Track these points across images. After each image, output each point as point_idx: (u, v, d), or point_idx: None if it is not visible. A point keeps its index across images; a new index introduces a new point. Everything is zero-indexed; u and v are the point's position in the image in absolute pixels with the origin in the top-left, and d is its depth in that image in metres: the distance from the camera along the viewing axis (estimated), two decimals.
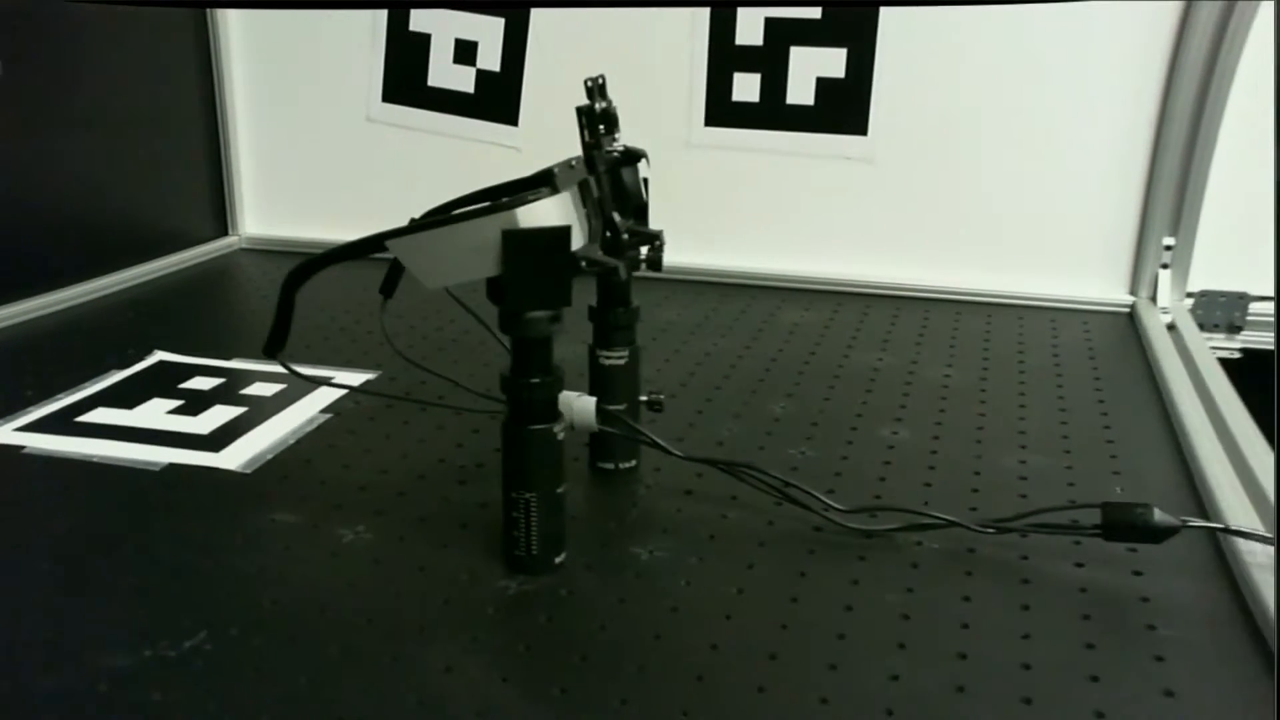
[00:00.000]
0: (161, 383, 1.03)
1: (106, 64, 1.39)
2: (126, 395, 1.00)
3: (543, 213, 0.64)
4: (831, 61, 1.36)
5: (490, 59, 1.46)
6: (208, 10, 1.54)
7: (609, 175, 0.77)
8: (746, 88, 1.39)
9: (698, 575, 0.70)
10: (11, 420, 0.94)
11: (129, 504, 0.79)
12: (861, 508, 0.76)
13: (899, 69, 1.34)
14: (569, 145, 1.43)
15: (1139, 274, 1.35)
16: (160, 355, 1.11)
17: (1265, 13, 1.15)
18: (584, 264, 0.68)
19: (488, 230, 0.63)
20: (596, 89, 0.75)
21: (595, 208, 0.73)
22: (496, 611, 0.66)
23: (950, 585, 0.69)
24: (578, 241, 0.66)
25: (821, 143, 1.39)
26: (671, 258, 1.43)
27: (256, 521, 0.76)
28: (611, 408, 0.82)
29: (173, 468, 0.85)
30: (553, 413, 0.68)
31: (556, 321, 0.66)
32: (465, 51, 1.47)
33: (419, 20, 1.48)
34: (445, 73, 1.49)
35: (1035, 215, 1.35)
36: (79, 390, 1.01)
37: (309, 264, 0.72)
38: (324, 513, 0.77)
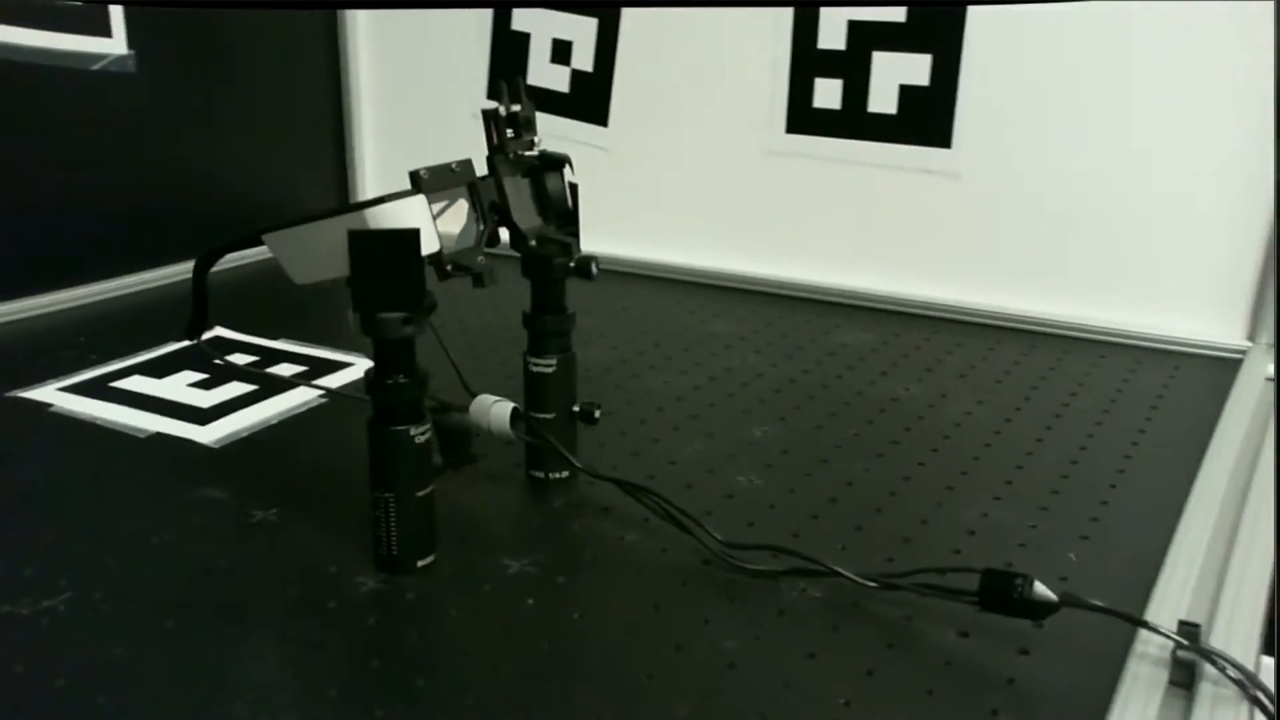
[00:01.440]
0: (202, 357, 1.10)
1: (240, 57, 1.51)
2: (165, 366, 1.09)
3: (396, 215, 0.64)
4: (915, 68, 1.28)
5: (584, 59, 1.48)
6: (336, 11, 1.64)
7: (530, 180, 0.77)
8: (828, 94, 1.34)
9: (550, 595, 0.69)
10: (63, 379, 1.04)
11: (92, 464, 0.87)
12: (748, 545, 0.72)
13: (987, 76, 1.25)
14: (654, 146, 1.44)
15: (1259, 316, 1.19)
16: (219, 331, 1.20)
17: (1266, 13, 1.01)
18: (449, 268, 0.68)
19: (340, 230, 0.64)
20: (505, 92, 0.74)
21: (486, 212, 0.73)
22: (336, 606, 0.67)
23: (803, 639, 0.64)
24: (432, 245, 0.66)
25: (903, 154, 1.31)
26: (740, 266, 1.42)
27: (186, 495, 0.81)
28: (540, 416, 0.82)
29: (157, 436, 0.92)
30: (414, 415, 0.69)
31: (410, 324, 0.66)
32: (561, 51, 1.49)
33: (520, 19, 1.52)
34: (543, 71, 1.52)
35: (1136, 241, 1.22)
36: (133, 358, 1.10)
37: (213, 250, 0.75)
38: (250, 493, 0.82)
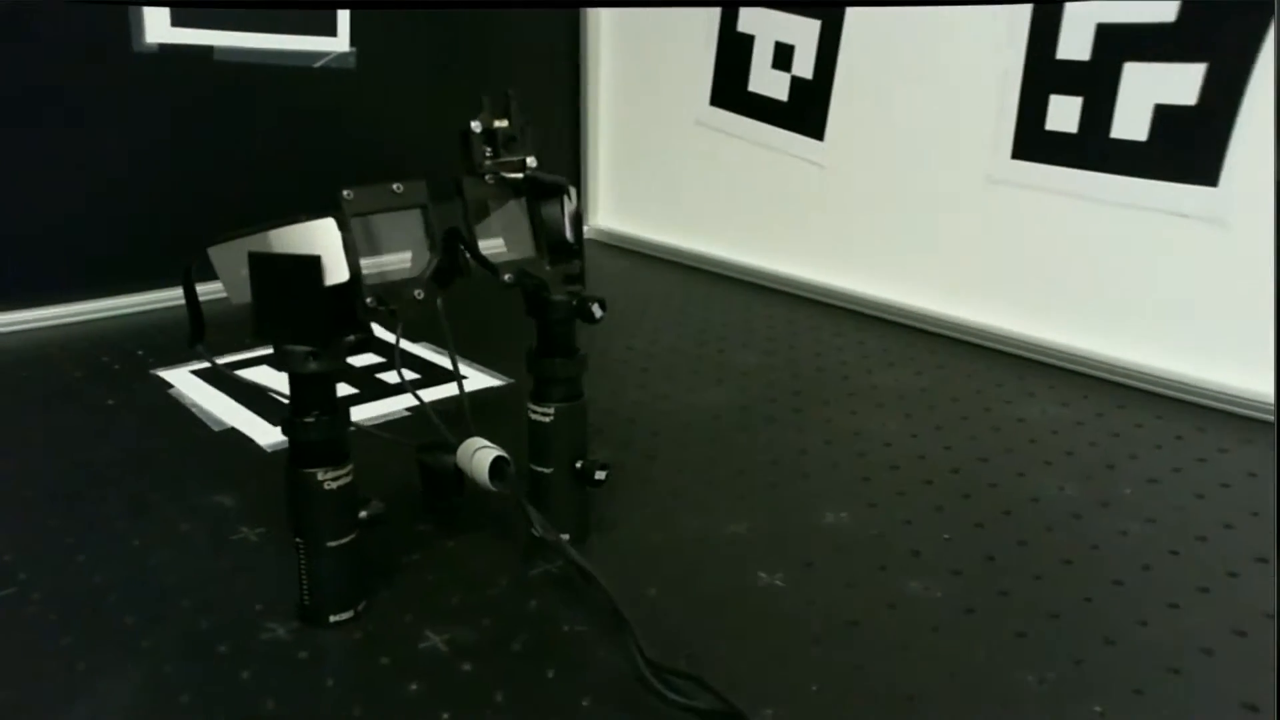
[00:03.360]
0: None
1: (480, 52, 1.53)
2: None
3: (303, 237, 0.58)
4: (1180, 83, 1.02)
5: (804, 65, 1.34)
6: (581, 10, 1.61)
7: (529, 207, 0.67)
8: (1064, 114, 1.11)
9: (446, 683, 0.60)
10: (204, 362, 1.09)
11: (147, 451, 0.89)
12: (677, 670, 0.59)
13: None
14: (869, 164, 1.27)
15: None
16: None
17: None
18: (370, 301, 0.61)
19: (245, 252, 0.59)
20: (488, 108, 0.65)
21: (436, 240, 0.64)
22: (226, 651, 0.63)
23: None
24: (339, 274, 0.59)
25: (1153, 191, 1.05)
26: (940, 306, 1.21)
27: (195, 498, 0.81)
28: (539, 469, 0.73)
29: (230, 431, 0.93)
30: (329, 458, 0.62)
31: (317, 360, 0.60)
32: (783, 56, 1.36)
33: (746, 20, 1.41)
34: (764, 78, 1.40)
35: None
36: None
37: (191, 261, 0.73)
38: (254, 506, 0.80)
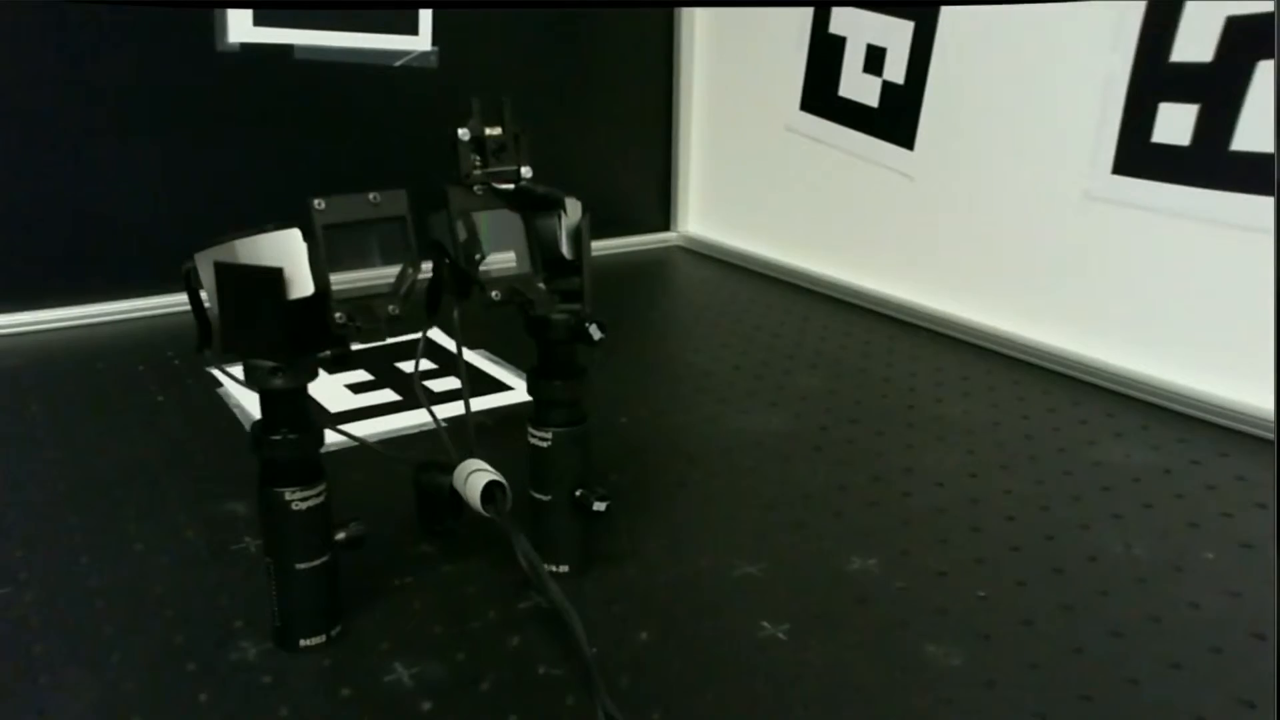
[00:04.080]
0: (396, 357, 1.10)
1: (569, 54, 1.51)
2: (348, 360, 1.10)
3: (267, 248, 0.56)
4: None
5: (896, 69, 1.26)
6: (675, 11, 1.57)
7: (525, 221, 0.63)
8: (1175, 124, 1.00)
9: None
10: None
11: (179, 447, 0.89)
12: None
13: None
14: (959, 176, 1.19)
15: None
16: (434, 333, 1.20)
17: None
18: (339, 317, 0.58)
19: (227, 257, 0.56)
20: (478, 113, 0.61)
21: (415, 253, 0.61)
22: (195, 669, 0.61)
23: None
24: (304, 288, 0.56)
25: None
26: (1028, 331, 1.11)
27: (206, 505, 0.80)
28: (538, 496, 0.69)
29: None
30: (298, 477, 0.60)
31: (281, 376, 0.57)
32: (874, 59, 1.29)
33: (838, 21, 1.34)
34: (854, 82, 1.32)
35: None
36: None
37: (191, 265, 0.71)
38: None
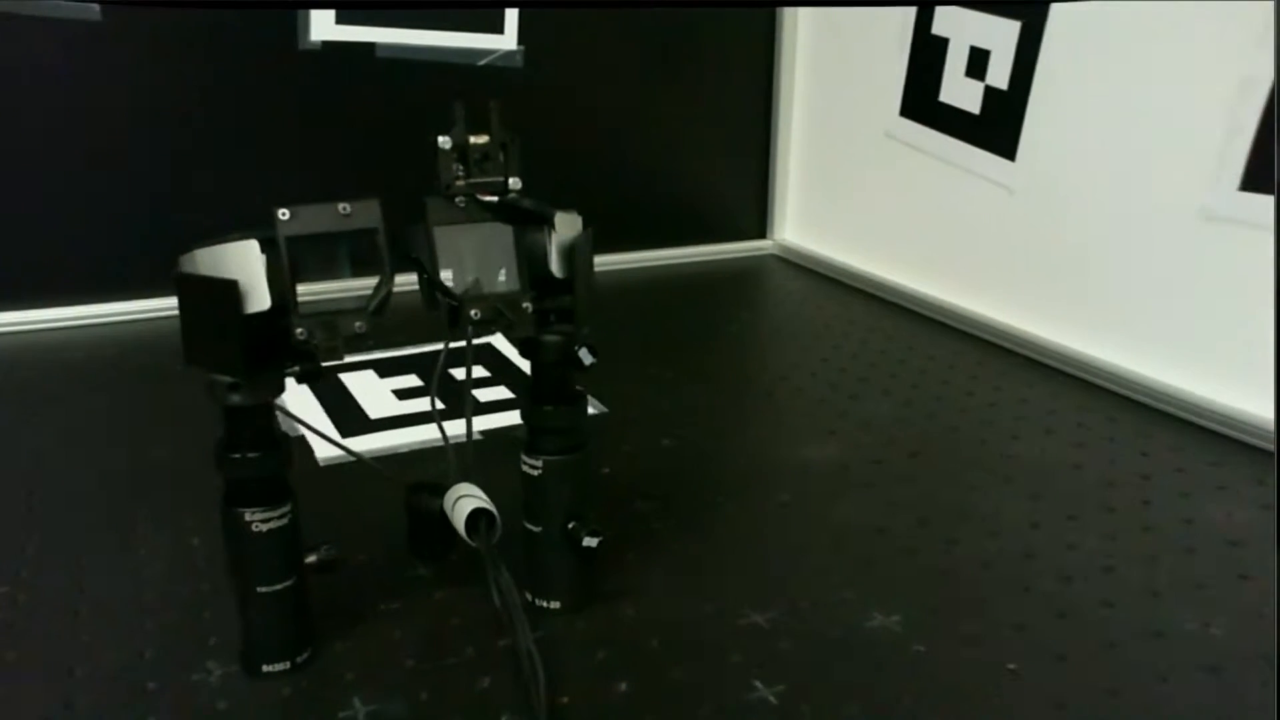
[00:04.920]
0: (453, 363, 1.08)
1: (662, 56, 1.46)
2: (403, 366, 1.08)
3: (222, 260, 0.53)
4: None
5: (999, 74, 1.17)
6: (776, 12, 1.50)
7: (509, 233, 0.59)
8: None
9: None
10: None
11: (208, 454, 0.88)
12: None
13: None
14: (1063, 190, 1.09)
15: None
16: (496, 339, 1.17)
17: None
18: (300, 333, 0.55)
19: (202, 265, 0.54)
20: (462, 120, 0.57)
21: (387, 267, 0.57)
22: (155, 688, 0.59)
23: None
24: (260, 302, 0.53)
25: None
26: (1130, 363, 1.00)
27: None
28: (530, 527, 0.65)
29: (299, 439, 0.91)
30: (260, 497, 0.57)
31: (238, 392, 0.55)
32: (977, 62, 1.20)
33: (941, 21, 1.25)
34: (956, 87, 1.23)
35: None
36: (401, 350, 1.11)
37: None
38: None
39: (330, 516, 0.77)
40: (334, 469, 0.85)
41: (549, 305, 0.60)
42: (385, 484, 0.69)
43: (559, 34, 1.37)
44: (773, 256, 1.56)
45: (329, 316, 0.55)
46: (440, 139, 0.56)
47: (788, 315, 1.31)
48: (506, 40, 1.34)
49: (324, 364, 0.56)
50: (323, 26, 1.24)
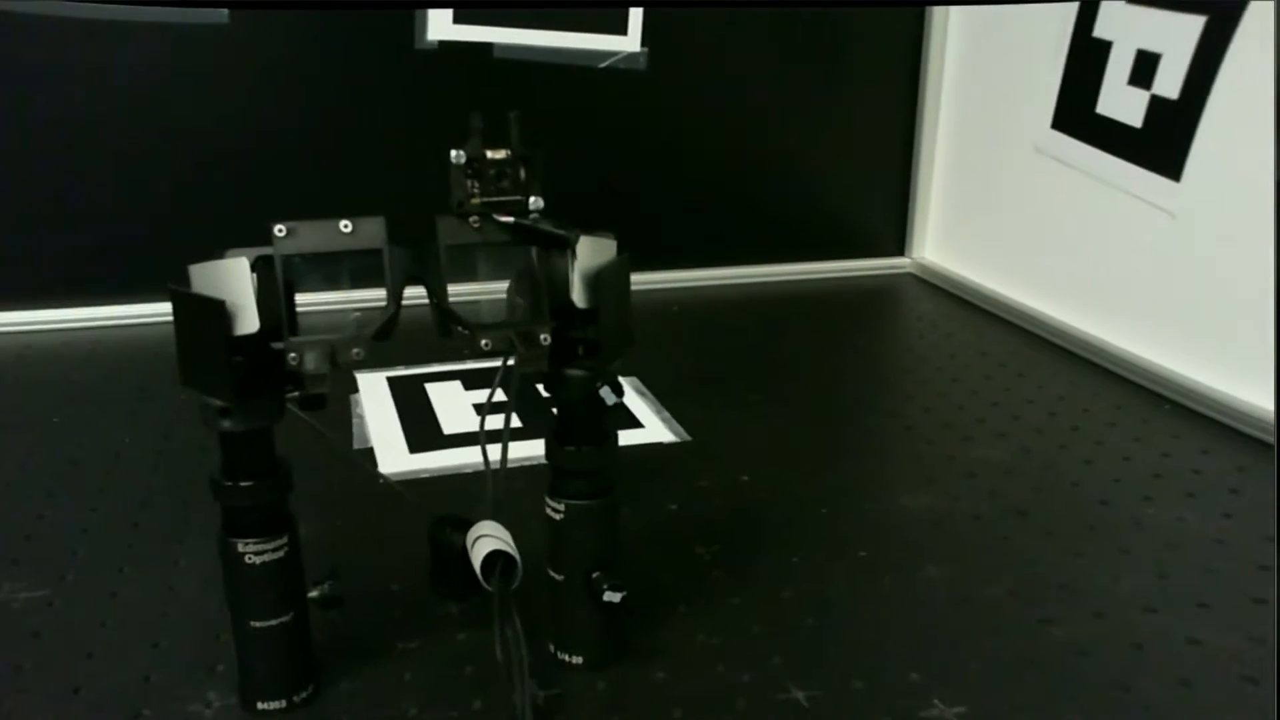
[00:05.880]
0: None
1: (798, 59, 1.39)
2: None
3: (213, 277, 0.50)
4: None
5: (1169, 81, 1.04)
6: (926, 12, 1.40)
7: (529, 256, 0.54)
8: None
9: None
10: (413, 368, 1.07)
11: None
12: None
13: None
14: (1240, 217, 0.95)
15: None
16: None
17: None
18: (293, 358, 0.51)
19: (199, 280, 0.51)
20: (479, 132, 0.52)
21: (394, 289, 0.53)
22: (148, 714, 0.57)
23: None
24: (249, 324, 0.50)
25: None
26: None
27: None
28: (553, 575, 0.60)
29: (365, 452, 0.89)
30: (255, 528, 0.54)
31: (229, 418, 0.51)
32: (1144, 68, 1.07)
33: (1106, 22, 1.12)
34: (1117, 96, 1.11)
35: None
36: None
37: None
38: (308, 545, 0.74)
39: (374, 537, 0.75)
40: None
41: (575, 336, 0.55)
42: (414, 510, 0.66)
43: (685, 34, 1.31)
44: (909, 276, 1.46)
45: (326, 343, 0.51)
46: (453, 153, 0.52)
47: (913, 342, 1.21)
48: (630, 42, 1.29)
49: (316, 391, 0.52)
50: (440, 26, 1.22)
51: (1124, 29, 1.09)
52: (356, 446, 0.90)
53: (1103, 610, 0.66)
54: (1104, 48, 1.12)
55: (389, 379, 1.05)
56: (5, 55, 1.13)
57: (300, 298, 0.53)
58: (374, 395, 1.00)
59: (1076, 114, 1.16)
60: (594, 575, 0.58)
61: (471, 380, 1.04)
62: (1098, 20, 1.13)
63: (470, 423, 0.95)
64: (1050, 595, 0.68)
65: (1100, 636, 0.63)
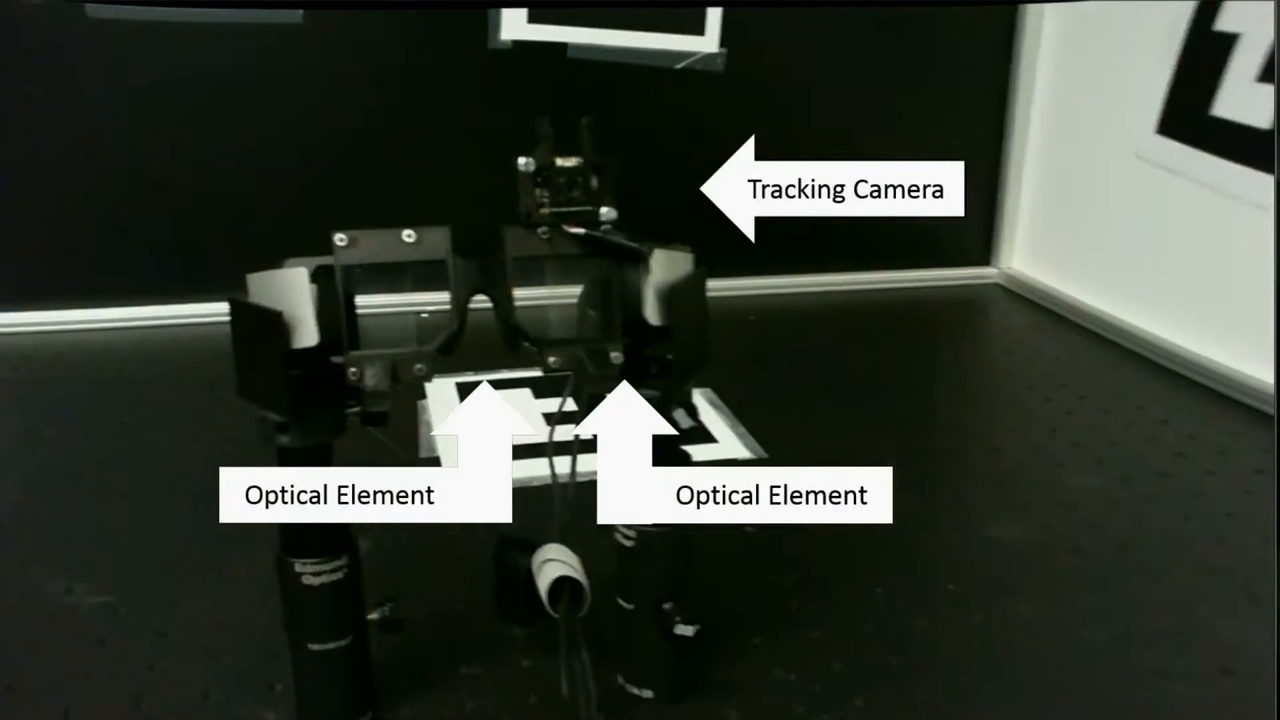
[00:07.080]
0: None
1: (881, 60, 1.34)
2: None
3: (270, 287, 0.48)
4: None
5: None
6: (1018, 10, 1.34)
7: (607, 269, 0.51)
8: None
9: None
10: (482, 373, 1.04)
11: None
12: None
13: None
14: None
15: None
16: None
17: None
18: (351, 374, 0.49)
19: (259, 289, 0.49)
20: (548, 139, 0.49)
21: (460, 304, 0.50)
22: None
23: None
24: (308, 338, 0.47)
25: None
26: None
27: None
28: (623, 604, 0.57)
29: (430, 460, 0.87)
30: (311, 548, 0.52)
31: (286, 433, 0.49)
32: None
33: (1231, 13, 1.05)
34: (1240, 95, 1.04)
35: None
36: None
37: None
38: (370, 562, 0.72)
39: (450, 552, 0.72)
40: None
41: (647, 354, 0.51)
42: (481, 526, 0.63)
43: (765, 35, 1.27)
44: (997, 287, 1.40)
45: (388, 357, 0.49)
46: (521, 160, 0.49)
47: (1000, 357, 1.16)
48: (708, 42, 1.25)
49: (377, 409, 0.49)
50: (514, 25, 1.20)
51: (1255, 19, 1.02)
52: (423, 455, 0.87)
53: (1228, 665, 0.61)
54: (1228, 41, 1.05)
55: (458, 385, 1.02)
56: (83, 57, 1.13)
57: (360, 299, 0.50)
58: (442, 402, 0.98)
59: (1188, 117, 1.10)
60: (665, 607, 0.55)
61: (542, 389, 1.01)
62: (1220, 12, 1.06)
63: (540, 433, 0.92)
64: (1162, 643, 0.62)
65: (1225, 694, 0.58)
